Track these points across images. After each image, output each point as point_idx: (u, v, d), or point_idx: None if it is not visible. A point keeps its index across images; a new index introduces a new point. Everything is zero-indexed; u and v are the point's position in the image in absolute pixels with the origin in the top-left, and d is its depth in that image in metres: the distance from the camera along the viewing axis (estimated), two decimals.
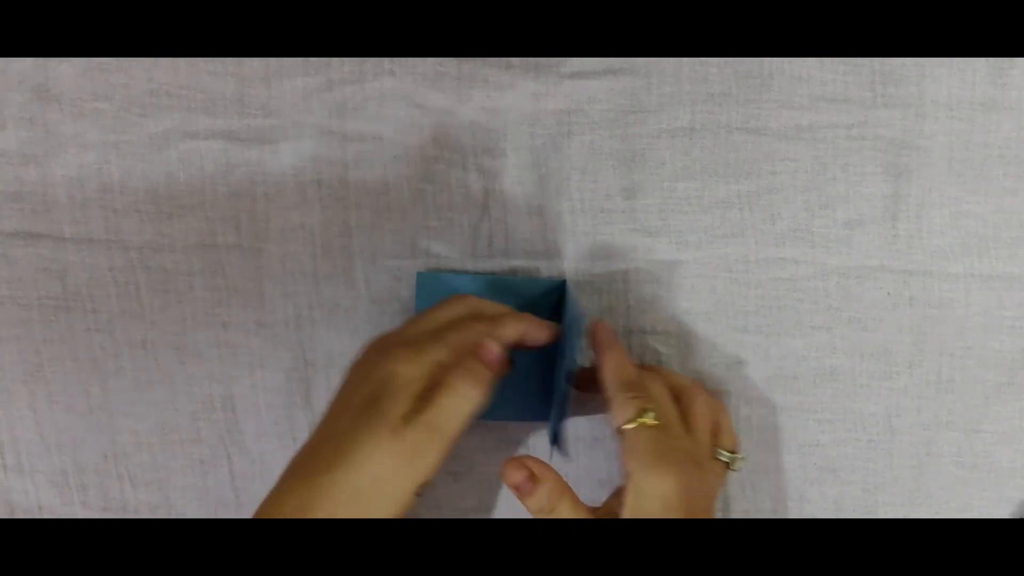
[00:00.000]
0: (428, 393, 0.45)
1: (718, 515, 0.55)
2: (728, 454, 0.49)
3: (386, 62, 0.53)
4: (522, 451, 0.55)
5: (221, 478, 0.56)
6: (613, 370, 0.49)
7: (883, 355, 0.54)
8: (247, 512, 0.56)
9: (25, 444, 0.56)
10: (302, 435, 0.55)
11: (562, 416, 0.50)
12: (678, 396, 0.49)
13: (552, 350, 0.51)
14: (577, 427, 0.55)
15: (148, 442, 0.56)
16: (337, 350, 0.55)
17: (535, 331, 0.49)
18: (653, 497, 0.45)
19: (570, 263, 0.54)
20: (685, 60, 0.53)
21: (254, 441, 0.56)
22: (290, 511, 0.44)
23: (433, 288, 0.54)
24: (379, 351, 0.47)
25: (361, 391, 0.45)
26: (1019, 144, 0.53)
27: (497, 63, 0.53)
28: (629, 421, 0.47)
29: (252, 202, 0.54)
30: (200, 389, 0.55)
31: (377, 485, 0.43)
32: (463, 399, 0.45)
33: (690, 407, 0.49)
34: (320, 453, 0.45)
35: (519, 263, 0.54)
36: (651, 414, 0.46)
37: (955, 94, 0.53)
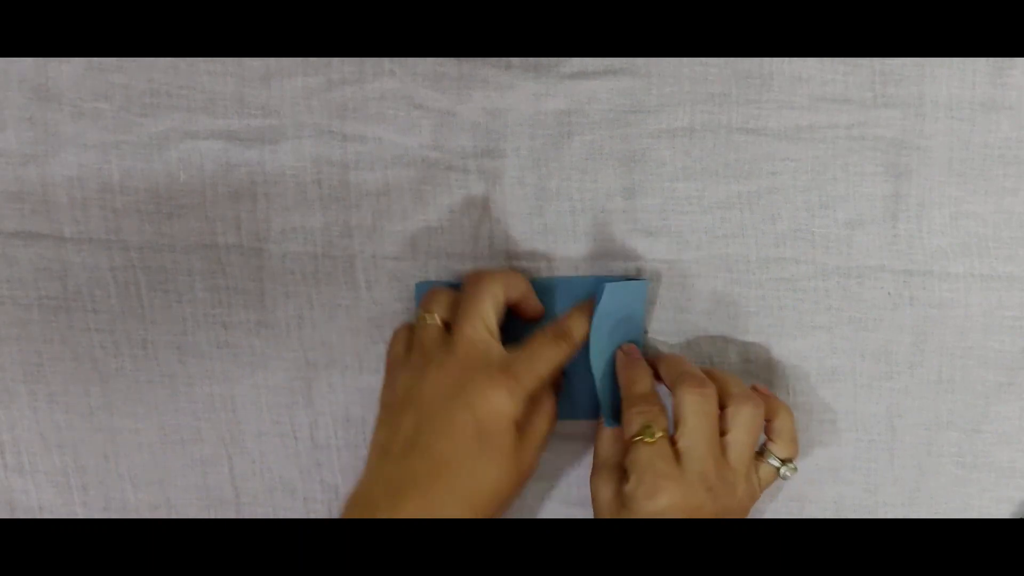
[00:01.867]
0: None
1: None
2: (778, 459, 0.50)
3: (386, 62, 0.53)
4: None
5: (221, 478, 0.56)
6: (626, 384, 0.50)
7: (883, 355, 0.54)
8: (247, 512, 0.56)
9: (25, 444, 0.56)
10: (302, 435, 0.55)
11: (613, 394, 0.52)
12: (723, 406, 0.49)
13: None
14: (577, 427, 0.55)
15: (148, 442, 0.56)
16: (338, 350, 0.55)
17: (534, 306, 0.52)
18: (648, 510, 0.46)
19: (569, 264, 0.54)
20: (685, 60, 0.53)
21: (254, 441, 0.56)
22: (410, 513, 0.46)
23: None
24: (468, 371, 0.48)
25: (462, 419, 0.47)
26: (1019, 144, 0.53)
27: (497, 63, 0.53)
28: (633, 436, 0.48)
29: (252, 202, 0.54)
30: (200, 389, 0.55)
31: (500, 501, 0.48)
32: (545, 431, 0.50)
33: (731, 419, 0.48)
34: (447, 480, 0.47)
35: (520, 263, 0.54)
36: (652, 431, 0.47)
37: (955, 94, 0.52)
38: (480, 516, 0.47)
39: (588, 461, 0.55)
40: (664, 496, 0.46)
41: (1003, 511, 0.55)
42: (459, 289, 0.51)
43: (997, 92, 0.52)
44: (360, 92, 0.53)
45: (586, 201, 0.54)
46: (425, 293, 0.52)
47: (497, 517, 0.48)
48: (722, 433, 0.48)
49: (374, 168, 0.54)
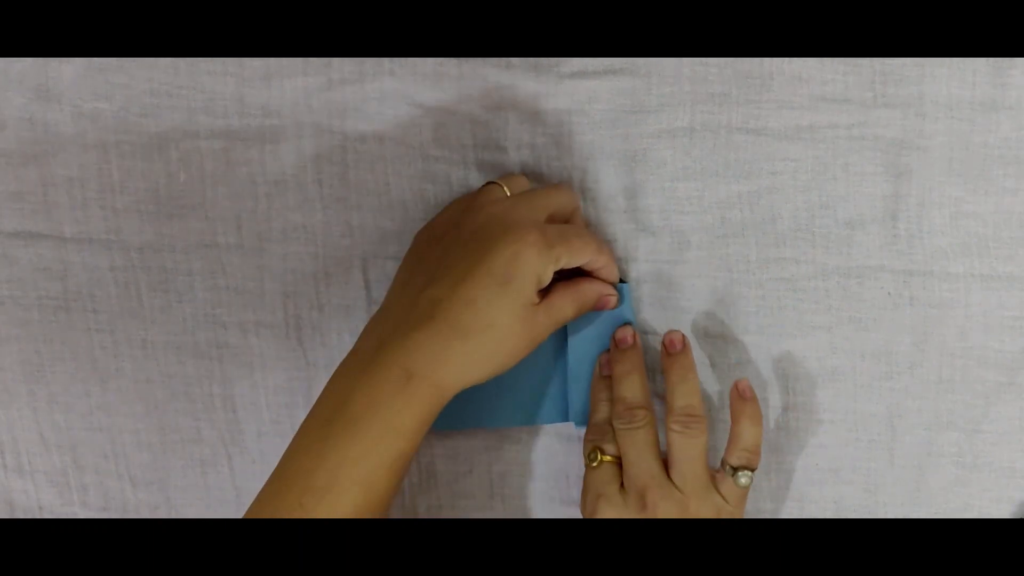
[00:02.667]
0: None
1: None
2: (731, 468, 0.50)
3: (386, 62, 0.53)
4: (521, 451, 0.55)
5: (221, 478, 0.56)
6: (591, 408, 0.53)
7: (883, 355, 0.54)
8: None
9: (25, 444, 0.56)
10: None
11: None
12: (667, 430, 0.50)
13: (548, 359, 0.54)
14: (579, 431, 0.55)
15: (148, 442, 0.56)
16: (338, 350, 0.55)
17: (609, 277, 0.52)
18: None
19: None
20: (685, 60, 0.53)
21: (254, 441, 0.56)
22: (423, 364, 0.46)
23: None
24: (506, 222, 0.48)
25: (491, 261, 0.46)
26: (1019, 144, 0.53)
27: (497, 63, 0.53)
28: (584, 458, 0.51)
29: (253, 202, 0.54)
30: (200, 389, 0.55)
31: (503, 357, 0.47)
32: (567, 315, 0.50)
33: (668, 440, 0.50)
34: (458, 316, 0.46)
35: None
36: (596, 455, 0.50)
37: (955, 94, 0.52)
38: (482, 365, 0.47)
39: (577, 461, 0.55)
40: (601, 516, 0.49)
41: (1003, 511, 0.55)
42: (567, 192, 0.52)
43: (997, 92, 0.52)
44: (360, 92, 0.53)
45: (587, 201, 0.54)
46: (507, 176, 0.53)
47: (495, 373, 0.48)
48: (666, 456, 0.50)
49: (374, 168, 0.54)
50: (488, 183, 0.51)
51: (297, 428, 0.56)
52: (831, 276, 0.54)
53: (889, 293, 0.54)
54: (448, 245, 0.49)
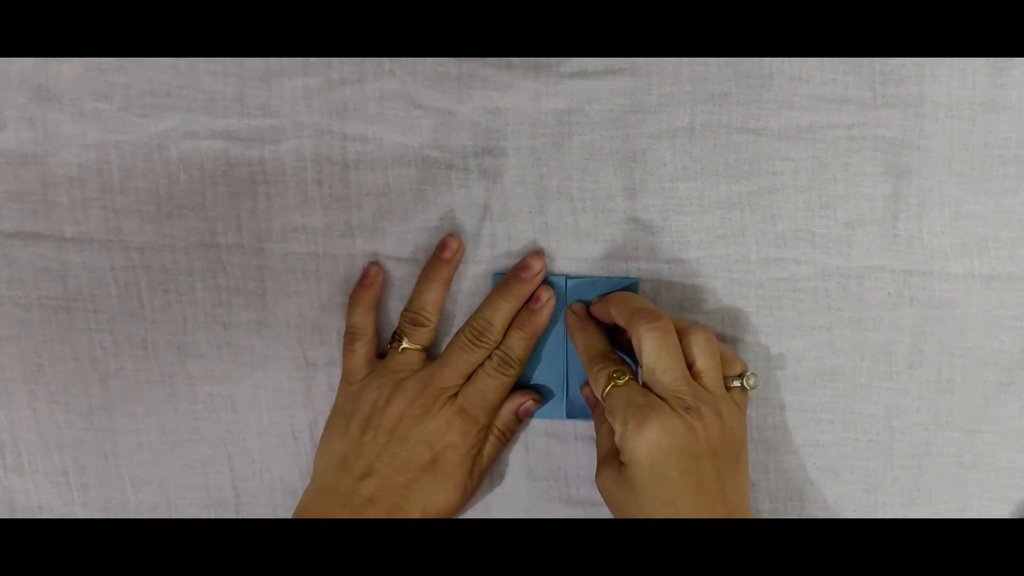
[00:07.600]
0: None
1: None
2: (738, 378, 0.50)
3: (386, 62, 0.53)
4: (521, 451, 0.55)
5: (221, 478, 0.56)
6: (583, 349, 0.52)
7: (883, 355, 0.54)
8: (247, 512, 0.56)
9: (25, 444, 0.56)
10: (302, 435, 0.55)
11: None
12: (681, 339, 0.49)
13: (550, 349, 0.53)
14: (577, 427, 0.55)
15: (148, 442, 0.56)
16: (338, 350, 0.55)
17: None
18: (641, 448, 0.46)
19: (571, 263, 0.54)
20: (685, 60, 0.53)
21: (254, 441, 0.56)
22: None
23: None
24: (429, 406, 0.51)
25: (420, 454, 0.51)
26: (1019, 144, 0.53)
27: (497, 63, 0.53)
28: (603, 389, 0.49)
29: (253, 202, 0.54)
30: (200, 389, 0.55)
31: (441, 514, 0.53)
32: (501, 447, 0.54)
33: (691, 348, 0.49)
34: (387, 498, 0.51)
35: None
36: (619, 374, 0.48)
37: (955, 94, 0.53)
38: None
39: (588, 461, 0.55)
40: (650, 427, 0.46)
41: (1003, 511, 0.55)
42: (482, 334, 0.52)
43: (997, 92, 0.52)
44: (360, 92, 0.53)
45: (587, 201, 0.54)
46: (404, 314, 0.53)
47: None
48: (689, 365, 0.49)
49: (375, 168, 0.54)
50: (402, 348, 0.53)
51: (297, 428, 0.56)
52: (831, 276, 0.54)
53: (889, 293, 0.54)
54: (375, 436, 0.51)
